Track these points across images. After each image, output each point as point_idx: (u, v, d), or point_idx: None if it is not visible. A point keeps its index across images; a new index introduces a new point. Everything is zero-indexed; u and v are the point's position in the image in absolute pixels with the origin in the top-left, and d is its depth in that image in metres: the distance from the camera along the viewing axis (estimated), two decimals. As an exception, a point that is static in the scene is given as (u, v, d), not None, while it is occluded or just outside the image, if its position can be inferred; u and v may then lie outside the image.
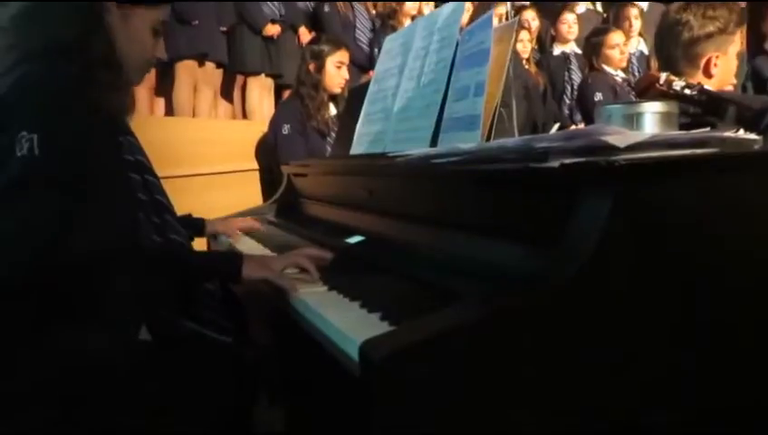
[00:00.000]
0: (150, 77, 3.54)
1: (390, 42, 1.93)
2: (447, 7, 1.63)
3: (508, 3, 3.87)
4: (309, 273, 1.20)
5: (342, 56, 2.89)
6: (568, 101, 4.49)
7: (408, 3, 4.26)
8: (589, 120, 3.99)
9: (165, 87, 3.66)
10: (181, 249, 1.30)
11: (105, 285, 1.03)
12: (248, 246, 1.77)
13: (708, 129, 1.02)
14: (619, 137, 0.85)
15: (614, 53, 3.95)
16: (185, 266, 1.18)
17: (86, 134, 1.06)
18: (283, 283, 1.16)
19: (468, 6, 4.16)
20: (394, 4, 4.26)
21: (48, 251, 0.95)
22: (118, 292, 1.05)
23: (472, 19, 3.90)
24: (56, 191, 0.98)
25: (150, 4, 1.24)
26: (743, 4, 5.04)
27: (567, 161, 0.85)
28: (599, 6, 5.33)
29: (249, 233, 1.89)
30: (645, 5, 4.91)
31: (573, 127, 4.26)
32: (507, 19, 3.79)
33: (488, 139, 1.30)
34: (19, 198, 0.96)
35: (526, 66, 4.36)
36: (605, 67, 3.95)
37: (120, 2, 1.19)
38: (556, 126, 4.08)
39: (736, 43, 1.87)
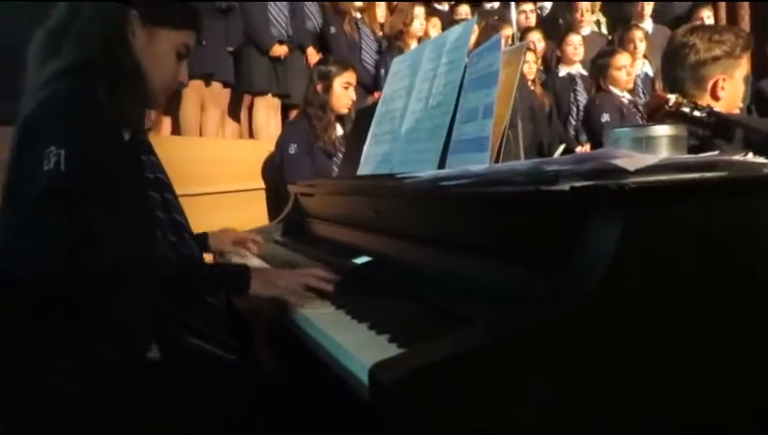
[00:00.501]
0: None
1: (398, 63, 1.95)
2: (455, 30, 1.65)
3: (514, 25, 3.89)
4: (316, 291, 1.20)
5: (350, 77, 2.92)
6: (573, 122, 4.50)
7: (414, 24, 4.29)
8: (595, 140, 4.00)
9: (172, 106, 3.69)
10: (189, 261, 1.30)
11: (121, 299, 1.04)
12: (252, 263, 1.77)
13: (717, 152, 1.02)
14: (628, 160, 0.85)
15: (621, 75, 3.97)
16: (192, 278, 1.18)
17: (111, 151, 1.09)
18: (291, 298, 1.17)
19: (474, 28, 4.20)
20: (401, 25, 4.29)
21: (71, 263, 0.96)
22: (133, 307, 1.06)
23: (478, 41, 3.94)
24: (81, 204, 1.00)
25: (175, 27, 1.28)
26: (748, 30, 5.10)
27: (577, 184, 0.85)
28: (604, 29, 5.37)
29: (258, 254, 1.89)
30: (649, 28, 4.94)
31: (579, 148, 4.28)
32: (513, 41, 3.82)
33: (497, 160, 1.30)
34: (46, 210, 0.98)
35: (532, 87, 4.38)
36: (612, 88, 3.97)
37: (147, 21, 1.23)
38: (562, 147, 4.08)
39: (743, 67, 1.88)
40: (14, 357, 1.04)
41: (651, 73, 4.62)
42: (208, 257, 1.85)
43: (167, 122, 3.76)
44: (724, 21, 5.53)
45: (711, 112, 1.73)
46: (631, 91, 4.13)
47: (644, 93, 4.48)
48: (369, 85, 4.27)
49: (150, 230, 1.22)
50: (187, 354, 1.21)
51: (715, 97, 1.85)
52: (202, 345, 1.23)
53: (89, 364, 1.03)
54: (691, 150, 1.28)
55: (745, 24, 5.52)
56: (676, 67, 1.88)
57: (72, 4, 1.21)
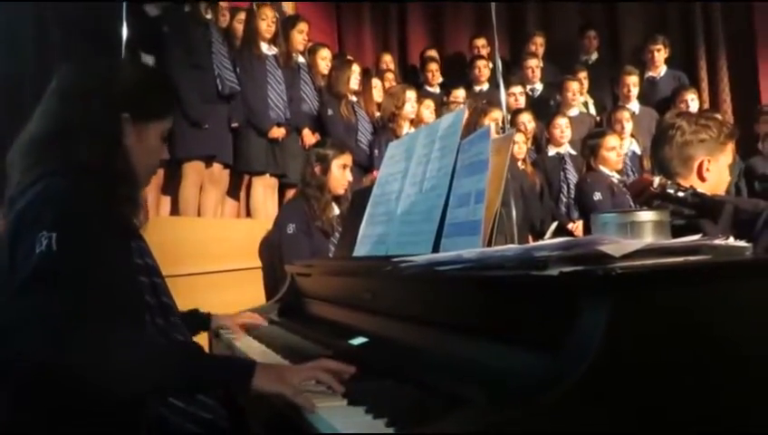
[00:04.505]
0: (158, 177, 3.64)
1: (394, 148, 2.02)
2: (448, 117, 1.73)
3: (504, 108, 4.04)
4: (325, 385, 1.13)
5: (346, 159, 3.01)
6: (564, 200, 4.59)
7: (406, 107, 4.44)
8: (588, 218, 4.07)
9: (171, 186, 3.76)
10: (189, 351, 1.29)
11: (110, 383, 1.04)
12: (248, 344, 1.77)
13: (700, 235, 1.06)
14: (614, 246, 0.89)
15: (611, 155, 4.09)
16: (190, 371, 1.14)
17: (101, 237, 1.12)
18: (300, 401, 1.05)
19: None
20: (393, 108, 4.43)
21: (56, 343, 0.97)
22: (125, 391, 1.06)
23: (467, 123, 4.07)
24: (71, 285, 1.02)
25: (162, 117, 1.32)
26: (731, 111, 5.30)
27: (566, 270, 0.88)
28: (592, 109, 5.55)
29: (251, 332, 1.90)
30: (636, 109, 5.12)
31: (571, 224, 4.35)
32: (503, 123, 3.95)
33: (489, 243, 1.34)
34: (35, 290, 1.01)
35: (522, 166, 4.49)
36: (602, 168, 4.08)
37: (137, 120, 1.26)
38: (554, 224, 4.16)
39: (727, 154, 1.95)
40: None
41: (639, 152, 4.75)
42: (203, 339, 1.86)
43: (166, 202, 3.82)
44: (707, 103, 5.75)
45: (695, 193, 1.79)
46: (619, 171, 4.24)
47: (632, 171, 4.59)
48: (365, 165, 4.37)
49: (141, 313, 1.23)
50: None
51: (701, 178, 1.92)
52: (188, 427, 1.22)
53: None
54: (677, 230, 1.33)
55: (727, 105, 5.75)
56: (664, 146, 1.96)
57: (58, 112, 1.23)
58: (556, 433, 0.76)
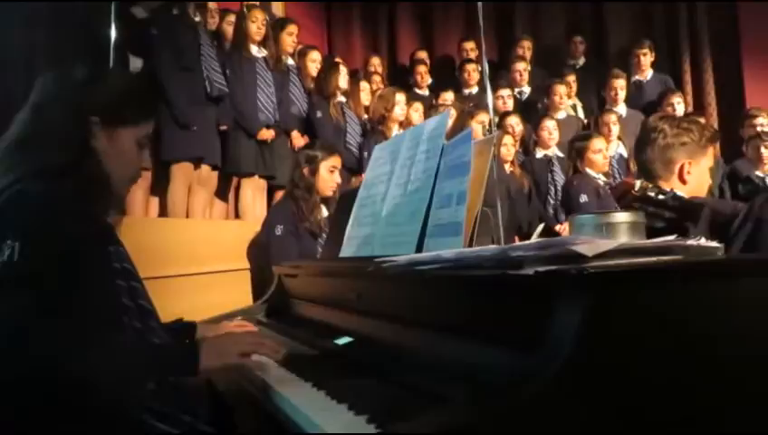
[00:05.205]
0: (146, 178, 3.65)
1: (379, 150, 2.05)
2: (432, 121, 1.75)
3: (491, 111, 4.07)
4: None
5: (335, 161, 3.03)
6: (552, 202, 4.63)
7: (395, 110, 4.46)
8: (574, 220, 4.11)
9: (160, 187, 3.76)
10: (139, 346, 1.27)
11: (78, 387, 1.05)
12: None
13: (674, 236, 1.09)
14: (587, 246, 0.92)
15: (597, 158, 4.13)
16: (134, 363, 1.16)
17: (75, 243, 1.13)
18: (248, 361, 1.25)
19: (453, 113, 4.38)
20: (383, 110, 4.46)
21: (20, 346, 1.00)
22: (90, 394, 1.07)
23: (454, 126, 4.10)
24: (29, 291, 1.03)
25: (135, 123, 1.33)
26: (713, 121, 5.37)
27: (541, 269, 0.91)
28: (580, 112, 5.60)
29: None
30: (623, 112, 5.18)
31: (558, 226, 4.38)
32: (490, 126, 3.98)
33: (470, 244, 1.37)
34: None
35: (510, 168, 4.53)
36: (588, 170, 4.12)
37: (108, 125, 1.27)
38: (541, 226, 4.19)
39: (708, 157, 1.99)
40: None
41: (626, 155, 4.81)
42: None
43: (154, 204, 3.82)
44: (692, 106, 5.82)
45: (675, 196, 1.83)
46: (606, 173, 4.28)
47: (619, 174, 4.64)
48: (354, 167, 4.39)
49: (119, 317, 1.24)
50: None
51: (682, 180, 1.95)
52: (170, 431, 1.23)
53: None
54: (658, 232, 1.36)
55: (712, 108, 5.82)
56: (647, 149, 2.00)
57: (32, 117, 1.26)
58: (530, 431, 0.78)
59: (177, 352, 1.28)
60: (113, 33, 3.20)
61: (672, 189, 1.89)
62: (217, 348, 1.24)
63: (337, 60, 5.01)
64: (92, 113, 1.26)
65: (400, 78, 6.31)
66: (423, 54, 6.30)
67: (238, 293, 2.94)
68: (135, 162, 1.36)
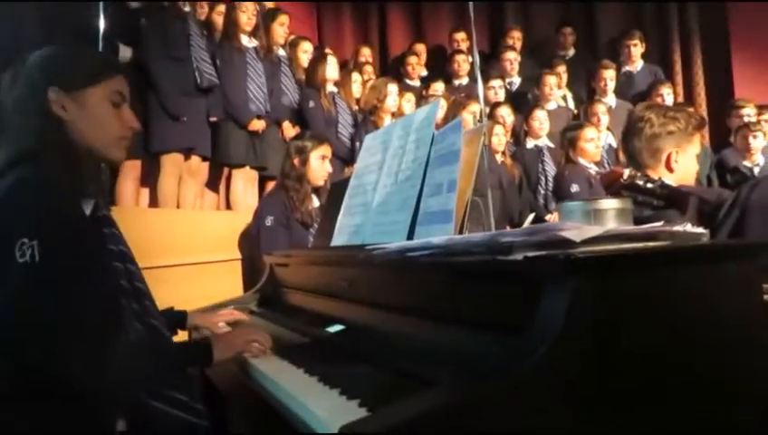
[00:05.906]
0: (137, 169, 3.64)
1: (370, 140, 2.05)
2: (423, 110, 1.76)
3: (481, 101, 4.08)
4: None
5: (325, 150, 3.03)
6: (543, 191, 4.66)
7: (387, 101, 4.46)
8: (564, 209, 4.13)
9: (150, 178, 3.75)
10: (160, 340, 1.35)
11: (87, 373, 1.07)
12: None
13: (661, 223, 1.10)
14: (575, 232, 0.93)
15: (589, 147, 4.15)
16: (160, 359, 1.24)
17: (75, 229, 1.14)
18: (252, 349, 1.39)
19: (444, 103, 4.38)
20: (375, 101, 4.46)
21: (56, 348, 1.04)
22: (100, 381, 1.09)
23: (446, 116, 4.11)
24: (59, 293, 1.06)
25: (97, 82, 1.29)
26: (705, 104, 5.40)
27: (530, 254, 0.92)
28: (570, 103, 5.62)
29: (230, 324, 1.92)
30: (613, 103, 5.20)
31: (549, 216, 4.41)
32: (481, 117, 3.99)
33: (461, 231, 1.38)
34: (27, 301, 1.05)
35: (501, 158, 4.54)
36: (580, 160, 4.14)
37: (69, 90, 1.25)
38: (532, 215, 4.21)
39: (695, 144, 2.01)
40: None
41: (615, 145, 4.83)
42: (183, 335, 1.88)
43: (144, 194, 3.81)
44: (681, 97, 5.85)
45: (662, 185, 1.85)
46: (597, 163, 4.30)
47: (608, 164, 4.67)
48: (346, 157, 4.39)
49: (117, 299, 1.26)
50: (154, 421, 1.23)
51: (669, 168, 1.97)
52: (167, 409, 1.25)
53: None
54: (646, 220, 1.37)
55: (701, 99, 5.85)
56: (634, 139, 2.01)
57: None
58: (514, 411, 0.79)
59: (193, 346, 1.42)
60: (102, 24, 3.18)
61: (660, 178, 1.91)
62: (226, 340, 1.39)
63: (326, 51, 4.99)
64: (47, 81, 1.24)
65: (391, 69, 6.30)
66: (414, 46, 6.29)
67: (229, 283, 2.94)
68: (113, 122, 1.31)
